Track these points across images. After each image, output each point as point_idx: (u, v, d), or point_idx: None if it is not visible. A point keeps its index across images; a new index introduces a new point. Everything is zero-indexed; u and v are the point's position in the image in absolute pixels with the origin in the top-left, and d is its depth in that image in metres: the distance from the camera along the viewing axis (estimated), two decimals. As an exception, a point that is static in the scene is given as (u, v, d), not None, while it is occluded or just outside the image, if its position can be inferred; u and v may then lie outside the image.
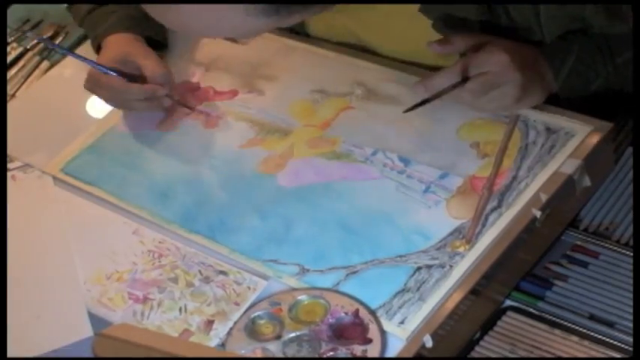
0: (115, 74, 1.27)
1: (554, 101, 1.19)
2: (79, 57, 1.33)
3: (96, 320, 1.11)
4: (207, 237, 1.16)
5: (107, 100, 1.31)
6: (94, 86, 1.30)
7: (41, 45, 1.52)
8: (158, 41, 1.36)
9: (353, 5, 1.25)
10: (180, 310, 1.10)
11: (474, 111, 1.19)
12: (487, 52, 1.14)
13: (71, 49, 1.46)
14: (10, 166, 1.31)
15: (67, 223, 1.22)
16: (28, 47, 1.53)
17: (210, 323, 1.08)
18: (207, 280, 1.12)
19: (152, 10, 1.00)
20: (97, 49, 1.34)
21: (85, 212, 1.24)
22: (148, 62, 1.28)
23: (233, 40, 1.21)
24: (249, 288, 1.10)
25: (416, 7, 1.21)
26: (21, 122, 1.38)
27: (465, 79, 1.13)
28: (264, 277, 1.11)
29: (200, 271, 1.13)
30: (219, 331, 1.07)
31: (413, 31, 1.25)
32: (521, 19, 1.17)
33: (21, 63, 1.51)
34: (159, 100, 1.29)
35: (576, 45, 1.16)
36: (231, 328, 1.06)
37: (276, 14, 0.97)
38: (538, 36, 1.18)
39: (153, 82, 1.28)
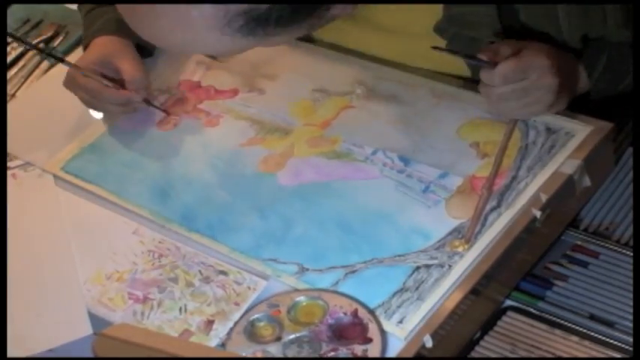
0: (96, 78, 1.28)
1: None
2: (58, 58, 1.34)
3: (96, 320, 1.11)
4: (207, 236, 1.16)
5: (83, 101, 1.32)
6: (71, 86, 1.31)
7: (41, 45, 1.52)
8: (146, 48, 1.36)
9: (356, 26, 1.25)
10: (180, 310, 1.10)
11: (478, 112, 1.18)
12: (529, 56, 1.10)
13: (71, 49, 1.47)
14: (10, 164, 1.32)
15: (67, 221, 1.23)
16: (28, 47, 1.53)
17: (210, 323, 1.08)
18: (207, 280, 1.12)
19: (129, 21, 0.99)
20: (85, 49, 1.35)
21: (86, 211, 1.24)
22: (126, 66, 1.29)
23: (212, 57, 1.20)
24: (249, 288, 1.10)
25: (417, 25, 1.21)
26: (21, 121, 1.38)
27: (493, 63, 1.09)
28: (264, 277, 1.11)
29: (200, 271, 1.13)
30: (219, 331, 1.07)
31: (417, 48, 1.25)
32: (536, 25, 1.17)
33: (21, 63, 1.51)
34: (133, 105, 1.30)
35: (607, 44, 1.16)
36: (230, 331, 1.06)
37: (252, 35, 0.96)
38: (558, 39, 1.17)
39: (130, 87, 1.28)
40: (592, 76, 1.16)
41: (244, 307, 1.08)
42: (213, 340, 1.06)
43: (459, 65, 1.24)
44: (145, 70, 1.31)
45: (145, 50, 1.35)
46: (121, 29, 1.31)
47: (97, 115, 1.35)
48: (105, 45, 1.31)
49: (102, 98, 1.30)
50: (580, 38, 1.17)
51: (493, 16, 1.17)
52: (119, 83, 1.29)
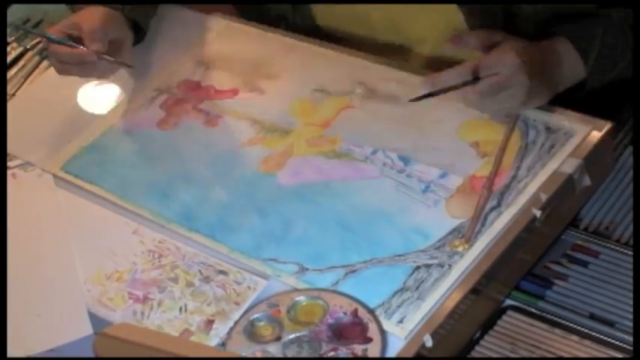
0: (57, 41, 1.28)
1: (554, 100, 1.19)
2: (29, 30, 1.43)
3: (96, 320, 1.11)
4: (207, 236, 1.16)
5: (53, 66, 1.33)
6: (48, 54, 1.33)
7: (41, 45, 1.52)
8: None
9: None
10: (180, 309, 1.10)
11: (478, 112, 1.19)
12: (499, 54, 1.14)
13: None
14: (10, 164, 1.32)
15: (67, 221, 1.23)
16: (28, 47, 1.53)
17: (210, 323, 1.08)
18: (207, 279, 1.12)
19: None
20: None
21: (86, 211, 1.24)
22: (84, 24, 1.29)
23: None
24: (249, 288, 1.10)
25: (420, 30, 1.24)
26: (21, 121, 1.38)
27: (475, 79, 1.13)
28: (264, 277, 1.11)
29: (200, 271, 1.13)
30: (219, 330, 1.07)
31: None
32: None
33: (21, 63, 1.51)
34: (93, 65, 1.29)
35: (600, 28, 1.17)
36: (230, 331, 1.06)
37: None
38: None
39: (87, 44, 1.27)
40: (587, 63, 1.17)
41: (244, 306, 1.08)
42: (213, 340, 1.06)
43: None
44: (105, 27, 1.30)
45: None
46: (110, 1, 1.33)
47: (97, 114, 1.35)
48: (83, 12, 1.32)
49: (59, 59, 1.30)
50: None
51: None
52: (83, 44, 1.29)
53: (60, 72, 1.33)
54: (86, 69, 1.31)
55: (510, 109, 1.17)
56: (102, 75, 1.33)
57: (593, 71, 1.17)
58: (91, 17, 1.31)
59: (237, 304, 1.09)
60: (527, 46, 1.15)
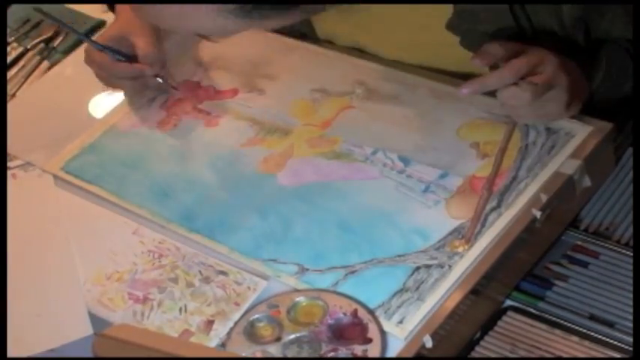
0: (109, 52, 1.29)
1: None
2: (76, 32, 1.37)
3: (96, 320, 1.11)
4: (207, 236, 1.16)
5: (97, 76, 1.33)
6: (88, 62, 1.32)
7: (41, 45, 1.52)
8: None
9: (358, 15, 1.25)
10: (180, 310, 1.10)
11: (478, 112, 1.18)
12: (538, 54, 1.10)
13: (71, 49, 1.47)
14: (10, 164, 1.32)
15: (67, 221, 1.22)
16: (28, 47, 1.53)
17: (210, 323, 1.08)
18: (207, 280, 1.12)
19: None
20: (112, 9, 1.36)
21: (86, 211, 1.23)
22: (140, 41, 1.29)
23: (206, 37, 1.20)
24: (249, 288, 1.10)
25: (422, 16, 1.21)
26: (21, 121, 1.38)
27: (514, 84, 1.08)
28: (264, 277, 1.11)
29: (200, 272, 1.13)
30: (220, 331, 1.07)
31: (420, 40, 1.25)
32: (544, 24, 1.17)
33: (21, 63, 1.51)
34: (145, 81, 1.31)
35: (604, 50, 1.16)
36: (230, 332, 1.06)
37: (249, 17, 0.97)
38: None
39: (142, 61, 1.29)
40: (594, 82, 1.16)
41: (244, 307, 1.08)
42: (213, 341, 1.06)
43: (459, 57, 1.23)
44: (160, 47, 1.31)
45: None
46: None
47: (97, 114, 1.35)
48: (127, 21, 1.31)
49: (113, 72, 1.30)
50: (583, 30, 1.16)
51: (505, 10, 1.17)
52: (134, 59, 1.30)
53: (107, 84, 1.33)
54: (138, 85, 1.32)
55: (556, 113, 1.12)
56: (151, 93, 1.34)
57: (599, 92, 1.17)
58: (141, 32, 1.30)
59: (237, 304, 1.09)
60: (557, 53, 1.11)
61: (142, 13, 1.01)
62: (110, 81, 1.33)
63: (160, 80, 1.31)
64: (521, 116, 1.14)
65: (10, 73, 1.49)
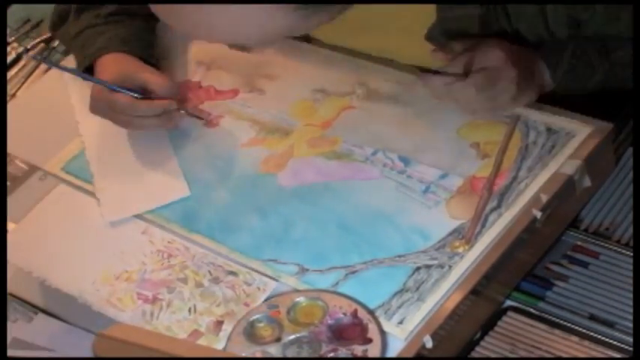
0: (126, 92, 1.22)
1: (555, 101, 1.19)
2: (87, 77, 1.27)
3: (105, 320, 1.10)
4: (207, 236, 1.16)
5: (117, 122, 1.25)
6: (100, 109, 1.25)
7: (41, 45, 1.52)
8: (149, 62, 1.30)
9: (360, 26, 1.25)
10: (189, 310, 1.09)
11: (470, 113, 1.19)
12: (484, 49, 1.14)
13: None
14: (16, 172, 1.31)
15: (71, 222, 1.22)
16: (29, 47, 1.53)
17: (219, 324, 1.07)
18: (216, 280, 1.11)
19: (165, 12, 0.95)
20: (86, 69, 1.29)
21: (92, 211, 1.23)
22: (152, 77, 1.24)
23: (244, 48, 1.16)
24: (258, 289, 1.09)
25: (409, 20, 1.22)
26: (21, 122, 1.38)
27: (466, 74, 1.14)
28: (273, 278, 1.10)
29: (210, 272, 1.12)
30: (229, 331, 1.06)
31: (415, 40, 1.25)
32: (528, 29, 1.18)
33: (21, 63, 1.51)
34: (170, 115, 1.24)
35: (571, 43, 1.17)
36: (230, 333, 1.05)
37: (305, 13, 0.94)
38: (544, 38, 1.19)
39: (162, 95, 1.24)
40: (556, 75, 1.17)
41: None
42: (222, 341, 1.05)
43: None
44: (170, 78, 1.28)
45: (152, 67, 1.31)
46: (128, 46, 1.28)
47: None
48: (118, 61, 1.26)
49: (137, 112, 1.23)
50: (566, 27, 1.18)
51: (482, 22, 1.19)
52: (147, 97, 1.23)
53: (133, 127, 1.26)
54: (163, 120, 1.25)
55: (501, 105, 1.16)
56: (176, 126, 1.27)
57: (561, 84, 1.18)
58: (146, 69, 1.25)
59: (246, 305, 1.08)
60: (510, 44, 1.16)
61: (181, 20, 0.94)
62: (135, 123, 1.25)
63: (183, 112, 1.26)
64: (474, 109, 1.17)
65: (10, 73, 1.49)
